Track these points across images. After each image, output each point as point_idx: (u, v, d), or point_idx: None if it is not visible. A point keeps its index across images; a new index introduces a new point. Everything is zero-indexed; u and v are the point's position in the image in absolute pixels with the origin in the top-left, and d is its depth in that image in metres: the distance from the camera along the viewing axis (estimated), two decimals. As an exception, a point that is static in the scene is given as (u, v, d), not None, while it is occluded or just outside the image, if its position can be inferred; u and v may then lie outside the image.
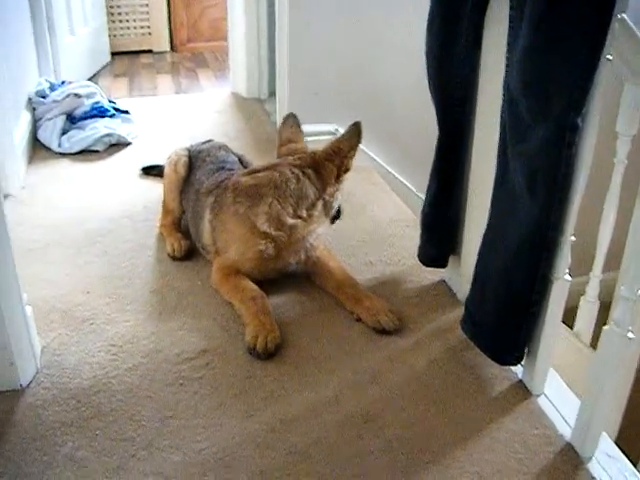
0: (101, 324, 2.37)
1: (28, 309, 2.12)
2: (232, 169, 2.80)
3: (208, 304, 2.50)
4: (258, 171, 2.50)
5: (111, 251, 2.85)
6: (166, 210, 2.95)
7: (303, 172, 2.47)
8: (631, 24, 1.67)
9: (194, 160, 2.93)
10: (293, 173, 2.45)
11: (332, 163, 2.51)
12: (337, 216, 2.66)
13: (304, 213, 2.44)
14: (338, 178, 2.53)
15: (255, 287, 2.43)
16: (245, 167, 2.84)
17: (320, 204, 2.49)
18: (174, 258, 2.78)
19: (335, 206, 2.59)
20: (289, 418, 2.00)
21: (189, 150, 2.99)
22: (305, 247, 2.52)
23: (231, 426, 1.96)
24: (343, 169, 2.53)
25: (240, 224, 2.44)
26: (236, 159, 2.95)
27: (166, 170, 2.94)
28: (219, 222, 2.55)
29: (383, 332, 2.37)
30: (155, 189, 3.35)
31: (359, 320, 2.41)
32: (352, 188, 3.45)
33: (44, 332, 2.30)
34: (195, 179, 2.82)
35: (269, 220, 2.40)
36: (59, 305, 2.46)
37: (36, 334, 2.19)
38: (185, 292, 2.57)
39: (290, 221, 2.41)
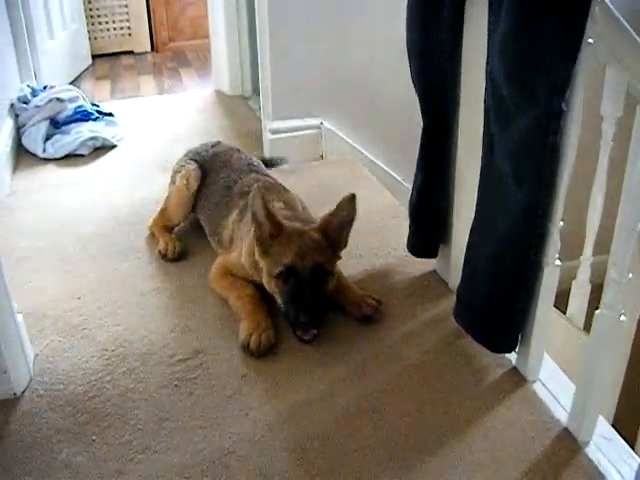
0: (93, 329, 2.36)
1: (19, 317, 2.11)
2: (259, 171, 2.86)
3: (199, 305, 2.49)
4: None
5: (100, 255, 2.84)
6: (166, 217, 2.93)
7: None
8: (611, 6, 1.67)
9: (210, 163, 2.95)
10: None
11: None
12: None
13: None
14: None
15: (251, 285, 2.43)
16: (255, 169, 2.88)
17: None
18: (165, 258, 2.77)
19: None
20: (285, 415, 2.00)
21: (196, 161, 2.97)
22: None
23: (228, 426, 1.96)
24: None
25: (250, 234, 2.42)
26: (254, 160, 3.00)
27: (178, 184, 2.91)
28: (242, 225, 2.54)
29: (368, 320, 2.38)
30: (142, 191, 3.34)
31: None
32: (339, 181, 3.46)
33: (36, 339, 2.29)
34: (220, 177, 2.83)
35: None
36: (50, 312, 2.45)
37: (28, 341, 2.18)
38: (176, 293, 2.57)
39: None
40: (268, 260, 2.28)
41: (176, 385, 2.11)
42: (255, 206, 2.24)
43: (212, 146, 3.07)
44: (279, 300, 2.29)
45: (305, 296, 2.20)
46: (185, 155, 3.06)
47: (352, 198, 2.31)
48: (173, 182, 2.97)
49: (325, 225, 2.32)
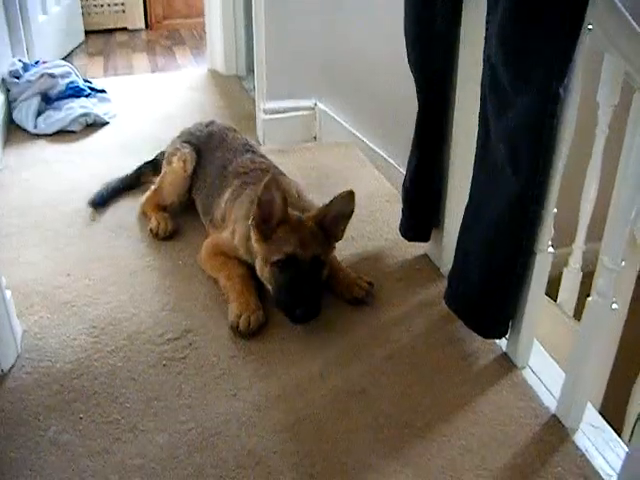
0: (82, 306, 2.35)
1: (7, 293, 2.10)
2: (255, 152, 2.84)
3: (190, 284, 2.48)
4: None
5: (90, 232, 2.82)
6: (159, 197, 2.90)
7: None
8: (611, -7, 1.66)
9: (206, 143, 2.93)
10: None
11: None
12: None
13: None
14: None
15: (242, 265, 2.42)
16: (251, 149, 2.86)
17: None
18: (157, 236, 2.76)
19: None
20: (274, 396, 1.99)
21: (191, 143, 2.95)
22: None
23: (216, 406, 1.95)
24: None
25: (245, 217, 2.40)
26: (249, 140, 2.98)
27: (174, 165, 2.89)
28: (236, 205, 2.52)
29: (359, 302, 2.39)
30: (132, 169, 3.32)
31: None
32: (333, 163, 3.45)
33: (24, 316, 2.28)
34: (216, 157, 2.82)
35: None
36: (39, 288, 2.44)
37: (16, 318, 2.17)
38: (167, 272, 2.55)
39: None
40: (266, 246, 2.26)
41: (165, 364, 2.10)
42: (270, 194, 2.21)
43: (206, 125, 3.05)
44: (271, 287, 2.27)
45: (304, 288, 2.19)
46: (179, 137, 3.04)
47: (350, 194, 2.30)
48: (168, 163, 2.94)
49: (321, 217, 2.30)
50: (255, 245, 2.29)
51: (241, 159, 2.74)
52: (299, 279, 2.20)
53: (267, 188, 2.20)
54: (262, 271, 2.29)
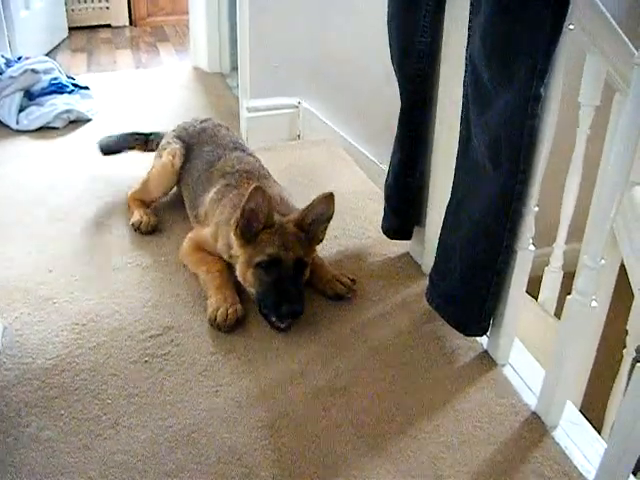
0: (64, 303, 2.34)
1: (-12, 289, 2.09)
2: (244, 150, 2.85)
3: (172, 281, 2.48)
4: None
5: (72, 229, 2.81)
6: (146, 191, 2.91)
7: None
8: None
9: (197, 137, 2.93)
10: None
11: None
12: None
13: None
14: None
15: (221, 261, 2.43)
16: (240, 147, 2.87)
17: None
18: (139, 230, 2.76)
19: None
20: (255, 393, 2.00)
21: (182, 138, 2.95)
22: None
23: (197, 402, 1.95)
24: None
25: (227, 223, 2.39)
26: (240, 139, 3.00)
27: (164, 159, 2.89)
28: (218, 205, 2.52)
29: (340, 298, 2.40)
30: (115, 166, 3.31)
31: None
32: (316, 161, 3.46)
33: (6, 312, 2.27)
34: (205, 151, 2.83)
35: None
36: (21, 284, 2.43)
37: (-3, 314, 2.16)
38: (148, 269, 2.55)
39: None
40: (248, 250, 2.26)
41: (146, 361, 2.10)
42: (255, 203, 2.21)
43: (201, 122, 3.05)
44: (254, 290, 2.28)
45: (288, 288, 2.20)
46: (173, 130, 3.05)
47: (330, 196, 2.31)
48: (159, 156, 2.95)
49: (301, 219, 2.31)
50: (237, 249, 2.30)
51: (229, 157, 2.74)
52: (283, 280, 2.21)
53: (252, 198, 2.20)
54: (244, 274, 2.29)
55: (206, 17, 5.00)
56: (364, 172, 3.44)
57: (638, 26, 3.73)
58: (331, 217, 2.35)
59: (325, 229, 2.37)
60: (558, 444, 1.86)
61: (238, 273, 2.32)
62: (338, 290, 2.41)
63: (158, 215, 2.85)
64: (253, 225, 2.25)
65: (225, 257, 2.41)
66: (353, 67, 3.69)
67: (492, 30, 1.78)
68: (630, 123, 1.54)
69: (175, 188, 2.97)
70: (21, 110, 3.94)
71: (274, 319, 2.24)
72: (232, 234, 2.28)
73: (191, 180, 2.80)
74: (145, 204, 2.90)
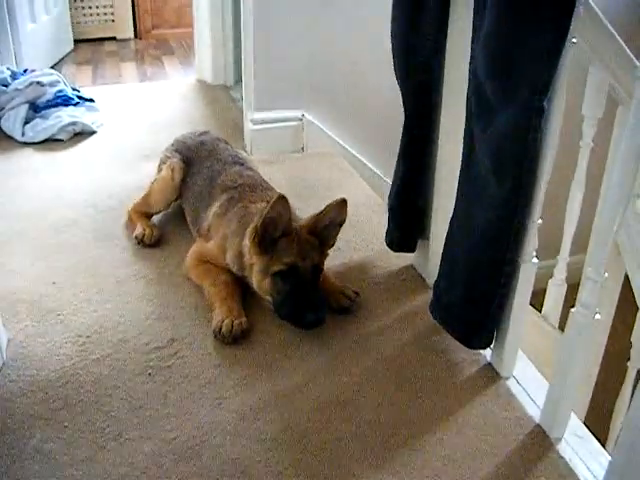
0: (68, 315, 2.34)
1: (-7, 301, 2.09)
2: (243, 164, 2.85)
3: (175, 293, 2.48)
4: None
5: (76, 241, 2.82)
6: (147, 203, 2.92)
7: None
8: (595, 8, 1.68)
9: (196, 152, 2.94)
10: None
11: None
12: None
13: None
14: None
15: (226, 273, 2.43)
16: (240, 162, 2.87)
17: None
18: (142, 243, 2.76)
19: None
20: (259, 405, 1.99)
21: (181, 152, 2.96)
22: None
23: (201, 415, 1.95)
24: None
25: (236, 235, 2.42)
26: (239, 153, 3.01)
27: (164, 173, 2.91)
28: (223, 219, 2.53)
29: (345, 311, 2.40)
30: (120, 178, 3.32)
31: None
32: (320, 174, 3.46)
33: (10, 324, 2.27)
34: (205, 166, 2.83)
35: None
36: (25, 296, 2.43)
37: (1, 326, 2.16)
38: (152, 281, 2.55)
39: None
40: (264, 259, 2.27)
41: (150, 373, 2.10)
42: (277, 212, 2.21)
43: (199, 135, 3.06)
44: (272, 298, 2.28)
45: (309, 296, 2.22)
46: (172, 144, 3.06)
47: (343, 202, 2.32)
48: (159, 170, 2.97)
49: (314, 225, 2.32)
50: (253, 259, 2.30)
51: (230, 171, 2.74)
52: (302, 287, 2.23)
53: (275, 207, 2.20)
54: (260, 283, 2.29)
55: (210, 30, 5.02)
56: (368, 184, 3.44)
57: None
58: (343, 222, 2.37)
59: (337, 234, 2.40)
60: (562, 457, 1.85)
61: (254, 282, 2.32)
62: (342, 303, 2.40)
63: (161, 228, 2.86)
64: (270, 234, 2.25)
65: (234, 269, 2.41)
66: (357, 80, 3.70)
67: (495, 43, 1.79)
68: (633, 136, 1.54)
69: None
70: (26, 122, 3.96)
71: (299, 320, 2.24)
72: (248, 243, 2.28)
73: (192, 195, 2.81)
74: (147, 216, 2.91)
